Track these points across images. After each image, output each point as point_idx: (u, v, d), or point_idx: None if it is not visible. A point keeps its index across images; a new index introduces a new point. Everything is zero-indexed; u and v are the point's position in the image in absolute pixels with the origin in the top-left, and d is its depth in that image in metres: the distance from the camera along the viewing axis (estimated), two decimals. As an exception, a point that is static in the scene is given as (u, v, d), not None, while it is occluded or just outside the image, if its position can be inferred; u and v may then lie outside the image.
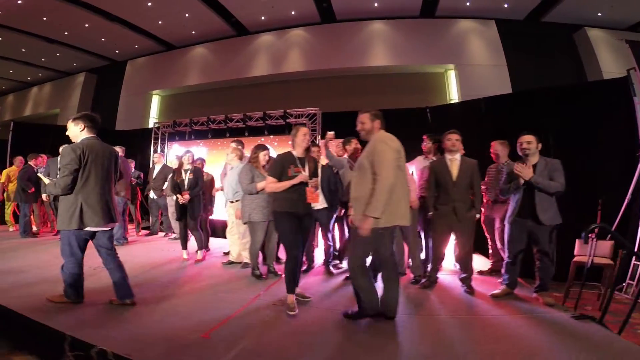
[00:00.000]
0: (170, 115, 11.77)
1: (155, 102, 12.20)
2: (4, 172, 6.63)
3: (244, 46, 10.72)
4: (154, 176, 6.15)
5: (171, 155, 7.45)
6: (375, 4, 9.26)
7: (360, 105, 4.57)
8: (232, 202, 4.30)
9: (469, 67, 9.14)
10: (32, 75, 14.01)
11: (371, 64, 9.62)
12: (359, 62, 9.70)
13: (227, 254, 4.81)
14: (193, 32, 10.79)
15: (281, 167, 3.04)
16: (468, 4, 8.84)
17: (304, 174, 3.02)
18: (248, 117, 7.17)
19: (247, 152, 4.47)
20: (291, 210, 2.96)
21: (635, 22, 8.69)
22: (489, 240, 4.32)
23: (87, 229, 2.64)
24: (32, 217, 6.15)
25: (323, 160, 4.15)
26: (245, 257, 4.18)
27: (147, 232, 6.75)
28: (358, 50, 9.71)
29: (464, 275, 3.54)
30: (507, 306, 3.09)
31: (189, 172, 4.39)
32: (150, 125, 11.69)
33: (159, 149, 7.72)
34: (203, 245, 4.65)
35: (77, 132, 2.75)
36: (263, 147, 3.95)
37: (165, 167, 6.16)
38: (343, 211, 4.13)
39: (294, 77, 10.31)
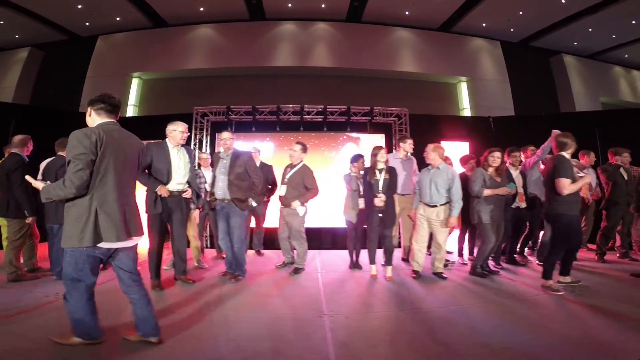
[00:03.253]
0: (155, 102, 10.03)
1: (135, 86, 10.20)
2: None
3: (261, 32, 9.88)
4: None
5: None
6: (407, 12, 9.62)
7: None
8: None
9: (479, 81, 10.26)
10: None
11: (397, 68, 9.98)
12: (385, 65, 9.95)
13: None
14: (201, 9, 9.42)
15: (571, 170, 3.19)
16: (484, 24, 9.93)
17: (589, 176, 3.22)
18: (304, 110, 6.39)
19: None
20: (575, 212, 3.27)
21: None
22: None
23: (104, 245, 1.95)
24: None
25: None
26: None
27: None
28: (385, 54, 9.96)
29: None
30: None
31: (384, 171, 3.92)
32: (130, 112, 9.85)
33: (205, 140, 6.38)
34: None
35: (90, 118, 2.10)
36: (497, 150, 3.90)
37: (264, 165, 5.08)
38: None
39: (317, 72, 9.93)
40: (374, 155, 3.85)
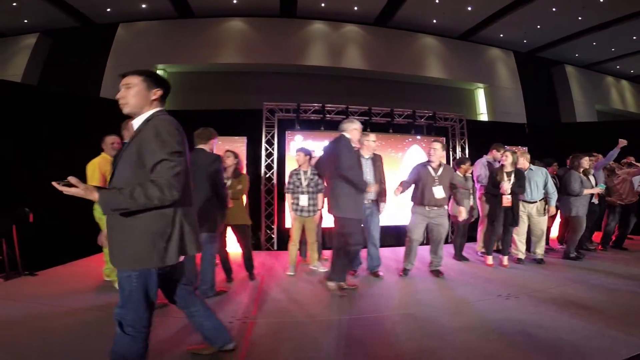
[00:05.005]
0: (181, 96, 9.63)
1: (159, 79, 9.73)
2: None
3: (293, 30, 9.83)
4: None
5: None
6: (435, 20, 10.05)
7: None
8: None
9: (495, 88, 10.95)
10: None
11: (425, 74, 10.39)
12: (414, 70, 10.32)
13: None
14: (235, 1, 9.19)
15: None
16: (502, 35, 10.62)
17: None
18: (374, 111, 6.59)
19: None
20: None
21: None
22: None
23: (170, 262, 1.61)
24: None
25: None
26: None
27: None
28: (413, 59, 10.33)
29: None
30: None
31: (512, 173, 4.25)
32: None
33: (275, 138, 6.30)
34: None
35: (145, 98, 1.68)
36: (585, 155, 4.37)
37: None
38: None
39: (348, 74, 10.08)
40: (503, 158, 4.17)
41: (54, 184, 1.43)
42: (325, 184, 3.76)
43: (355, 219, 3.21)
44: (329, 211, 3.29)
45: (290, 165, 6.06)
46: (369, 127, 6.61)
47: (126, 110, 1.68)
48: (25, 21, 9.20)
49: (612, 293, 3.21)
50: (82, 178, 1.75)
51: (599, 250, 5.28)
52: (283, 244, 5.57)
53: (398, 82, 10.37)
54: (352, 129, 3.31)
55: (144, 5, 9.10)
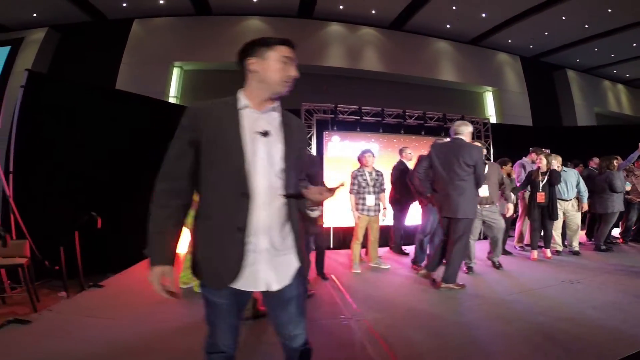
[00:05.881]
0: (198, 94, 9.52)
1: (175, 76, 9.59)
2: None
3: (311, 31, 9.88)
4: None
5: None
6: (448, 25, 10.29)
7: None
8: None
9: (503, 92, 11.33)
10: None
11: (439, 77, 10.65)
12: (428, 73, 10.55)
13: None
14: (255, 0, 9.14)
15: None
16: (510, 41, 10.98)
17: None
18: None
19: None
20: None
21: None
22: None
23: None
24: None
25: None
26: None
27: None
28: (428, 63, 10.59)
29: None
30: None
31: (547, 173, 4.49)
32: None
33: (314, 139, 6.31)
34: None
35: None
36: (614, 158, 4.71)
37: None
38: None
39: (361, 75, 10.20)
40: (539, 160, 4.52)
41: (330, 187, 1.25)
42: (417, 185, 3.72)
43: (473, 219, 3.40)
44: (446, 214, 3.34)
45: (328, 166, 6.12)
46: (381, 127, 6.76)
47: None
48: (35, 15, 8.86)
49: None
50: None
51: (620, 243, 5.65)
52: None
53: (409, 84, 10.56)
54: (467, 132, 3.40)
55: (161, 1, 8.93)
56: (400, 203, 4.92)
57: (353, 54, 9.98)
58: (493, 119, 11.25)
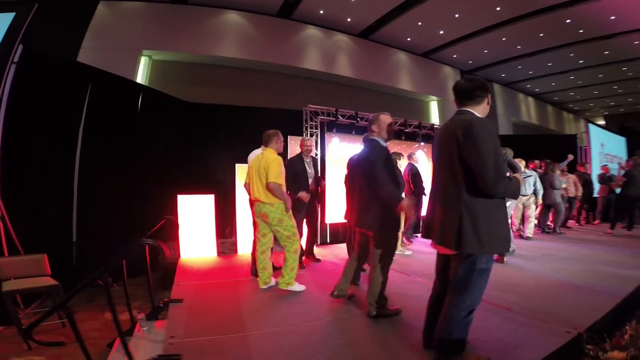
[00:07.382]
0: (166, 86, 8.96)
1: (143, 65, 8.93)
2: None
3: (291, 32, 10.09)
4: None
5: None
6: (409, 38, 11.44)
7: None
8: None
9: (446, 102, 12.99)
10: None
11: (399, 86, 11.84)
12: (391, 82, 11.67)
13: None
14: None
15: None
16: (455, 56, 12.66)
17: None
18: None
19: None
20: None
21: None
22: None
23: None
24: None
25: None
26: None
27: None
28: (389, 72, 11.68)
29: None
30: None
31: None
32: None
33: (318, 139, 6.65)
34: None
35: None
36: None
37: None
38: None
39: (337, 80, 10.83)
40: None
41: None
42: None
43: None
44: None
45: (330, 166, 6.60)
46: (354, 130, 7.17)
47: None
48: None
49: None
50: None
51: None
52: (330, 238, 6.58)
53: (377, 92, 11.58)
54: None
55: (134, -17, 8.24)
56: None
57: (327, 59, 10.48)
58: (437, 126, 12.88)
